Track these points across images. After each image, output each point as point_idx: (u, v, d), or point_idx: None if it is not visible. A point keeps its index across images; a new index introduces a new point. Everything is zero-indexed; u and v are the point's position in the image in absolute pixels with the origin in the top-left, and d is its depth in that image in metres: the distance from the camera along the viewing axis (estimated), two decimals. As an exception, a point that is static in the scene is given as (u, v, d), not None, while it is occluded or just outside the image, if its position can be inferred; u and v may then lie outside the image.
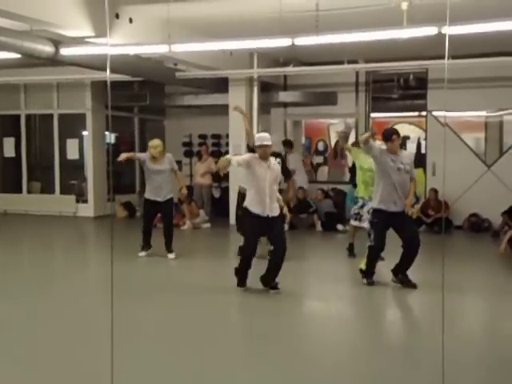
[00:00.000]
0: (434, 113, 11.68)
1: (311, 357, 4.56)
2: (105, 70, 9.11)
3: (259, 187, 6.07)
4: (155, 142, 8.26)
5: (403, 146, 13.10)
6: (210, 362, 4.40)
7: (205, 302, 6.03)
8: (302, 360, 4.46)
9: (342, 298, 6.63)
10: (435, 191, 11.19)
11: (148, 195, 8.26)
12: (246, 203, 6.22)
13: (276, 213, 6.16)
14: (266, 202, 6.06)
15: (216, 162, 11.14)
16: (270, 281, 6.27)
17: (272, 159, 6.26)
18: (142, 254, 8.40)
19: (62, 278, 7.46)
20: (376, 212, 6.54)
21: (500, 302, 6.32)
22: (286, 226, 11.23)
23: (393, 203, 6.45)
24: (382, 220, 6.47)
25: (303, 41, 7.19)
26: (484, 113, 11.75)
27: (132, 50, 8.33)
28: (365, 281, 6.69)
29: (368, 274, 6.69)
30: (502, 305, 6.23)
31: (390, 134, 6.60)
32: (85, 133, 13.54)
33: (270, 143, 6.12)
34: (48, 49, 7.72)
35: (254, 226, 6.11)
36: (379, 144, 6.82)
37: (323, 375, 4.17)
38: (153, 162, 8.17)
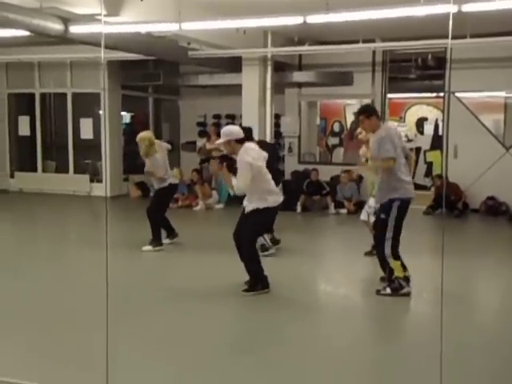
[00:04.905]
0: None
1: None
2: (115, 48, 9.12)
3: None
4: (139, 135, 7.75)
5: (420, 127, 12.99)
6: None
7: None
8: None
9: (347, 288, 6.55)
10: (440, 177, 11.17)
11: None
12: None
13: (248, 209, 5.73)
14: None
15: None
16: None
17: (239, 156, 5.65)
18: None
19: (66, 257, 7.52)
20: None
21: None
22: (299, 208, 11.28)
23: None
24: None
25: (314, 19, 7.02)
26: (503, 93, 11.47)
27: (142, 28, 8.23)
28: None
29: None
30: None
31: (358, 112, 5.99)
32: (101, 112, 13.54)
33: (225, 139, 5.66)
34: (57, 26, 7.64)
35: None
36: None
37: None
38: None
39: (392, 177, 5.50)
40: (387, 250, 5.52)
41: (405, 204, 5.56)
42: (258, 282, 5.68)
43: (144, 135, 7.68)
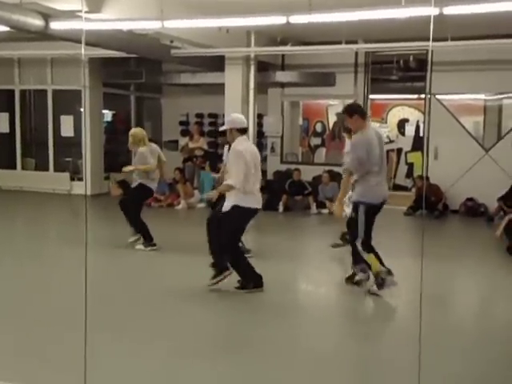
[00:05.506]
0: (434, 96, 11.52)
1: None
2: (96, 45, 9.04)
3: None
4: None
5: (401, 128, 13.10)
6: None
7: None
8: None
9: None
10: (420, 178, 11.21)
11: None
12: None
13: (225, 208, 5.56)
14: None
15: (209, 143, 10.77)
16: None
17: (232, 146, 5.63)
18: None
19: (45, 255, 7.44)
20: None
21: (491, 291, 6.26)
22: (281, 208, 11.29)
23: None
24: None
25: (297, 19, 7.03)
26: (483, 96, 11.60)
27: (123, 26, 8.16)
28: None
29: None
30: (492, 294, 6.17)
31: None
32: (82, 109, 13.41)
33: (225, 127, 5.65)
34: (37, 22, 7.53)
35: None
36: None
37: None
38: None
39: (364, 182, 5.59)
40: (359, 247, 5.63)
41: (373, 207, 5.63)
42: (249, 280, 5.67)
43: (130, 131, 7.80)
